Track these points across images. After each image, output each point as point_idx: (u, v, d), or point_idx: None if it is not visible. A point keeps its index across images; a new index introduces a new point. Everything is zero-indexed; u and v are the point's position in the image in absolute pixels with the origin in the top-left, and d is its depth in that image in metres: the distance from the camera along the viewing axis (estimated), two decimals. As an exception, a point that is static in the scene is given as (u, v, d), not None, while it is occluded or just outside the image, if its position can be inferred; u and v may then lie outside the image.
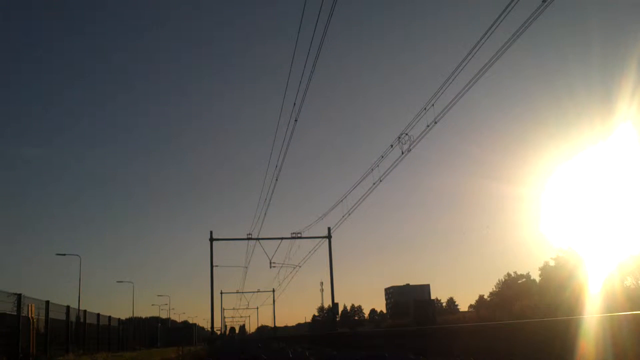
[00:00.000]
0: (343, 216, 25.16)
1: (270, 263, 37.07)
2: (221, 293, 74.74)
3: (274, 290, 74.03)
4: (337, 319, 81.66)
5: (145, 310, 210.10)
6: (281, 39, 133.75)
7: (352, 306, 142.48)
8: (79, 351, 23.80)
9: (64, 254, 43.49)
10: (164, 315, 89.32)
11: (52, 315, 22.14)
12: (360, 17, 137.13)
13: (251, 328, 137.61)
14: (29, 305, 19.32)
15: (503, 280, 79.32)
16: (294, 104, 16.39)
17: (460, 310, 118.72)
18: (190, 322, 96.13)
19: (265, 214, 31.38)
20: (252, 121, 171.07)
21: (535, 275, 71.06)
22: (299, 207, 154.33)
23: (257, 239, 36.72)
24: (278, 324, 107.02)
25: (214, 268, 37.02)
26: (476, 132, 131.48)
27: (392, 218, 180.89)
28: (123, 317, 42.59)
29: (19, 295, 18.30)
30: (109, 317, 33.26)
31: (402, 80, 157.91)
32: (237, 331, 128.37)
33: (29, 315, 19.22)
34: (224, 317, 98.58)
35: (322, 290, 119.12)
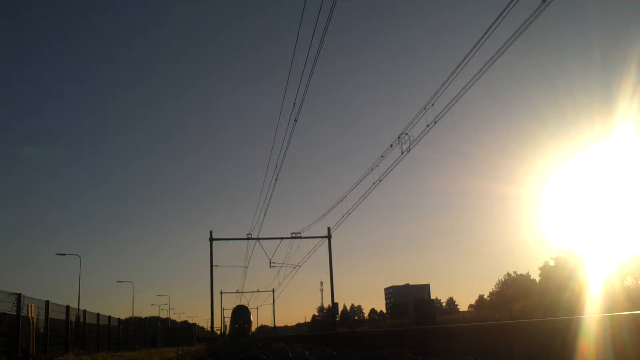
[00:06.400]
0: (343, 216, 25.23)
1: (270, 263, 37.06)
2: (221, 293, 74.39)
3: (274, 290, 73.96)
4: (337, 319, 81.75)
5: (145, 310, 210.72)
6: (281, 39, 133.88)
7: (352, 306, 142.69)
8: (79, 351, 23.77)
9: (64, 254, 43.60)
10: (164, 315, 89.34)
11: (52, 315, 22.10)
12: (360, 17, 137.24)
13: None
14: (29, 305, 19.30)
15: (503, 280, 79.34)
16: (294, 104, 16.44)
17: (460, 310, 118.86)
18: (190, 322, 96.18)
19: (265, 214, 31.39)
20: (252, 121, 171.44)
21: (535, 275, 71.17)
22: (299, 207, 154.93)
23: (257, 239, 36.75)
24: (278, 324, 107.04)
25: (214, 268, 36.83)
26: (476, 132, 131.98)
27: (392, 218, 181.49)
28: (123, 317, 42.59)
29: (19, 295, 18.29)
30: (109, 317, 33.22)
31: (402, 80, 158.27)
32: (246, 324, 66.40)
33: (29, 315, 19.20)
34: (224, 317, 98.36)
35: (322, 290, 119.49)
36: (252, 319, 62.39)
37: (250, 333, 61.63)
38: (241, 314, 59.56)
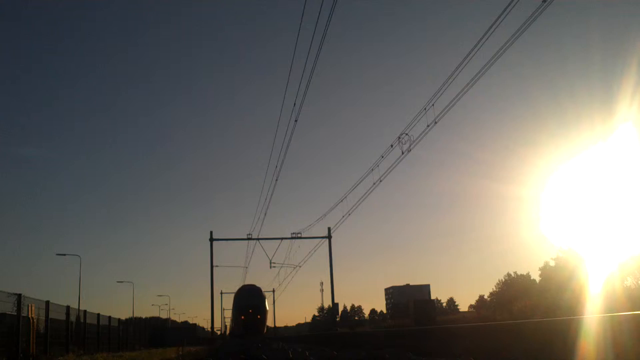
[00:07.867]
0: (343, 216, 25.23)
1: (270, 263, 37.03)
2: (221, 293, 74.13)
3: (274, 291, 73.95)
4: (337, 319, 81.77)
5: (145, 310, 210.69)
6: (281, 39, 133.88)
7: (352, 306, 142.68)
8: (79, 351, 23.77)
9: (64, 254, 43.68)
10: (164, 315, 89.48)
11: (52, 315, 22.09)
12: (360, 17, 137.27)
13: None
14: (29, 305, 19.30)
15: (503, 280, 79.34)
16: (294, 104, 16.44)
17: (460, 310, 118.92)
18: (191, 322, 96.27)
19: (265, 214, 31.29)
20: (252, 121, 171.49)
21: (535, 275, 71.14)
22: (299, 207, 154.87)
23: (257, 239, 36.75)
24: (278, 324, 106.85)
25: (214, 268, 36.67)
26: (476, 132, 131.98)
27: (392, 218, 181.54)
28: (123, 317, 42.62)
29: (19, 295, 18.28)
30: (109, 317, 33.24)
31: (402, 81, 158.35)
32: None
33: (29, 315, 19.19)
34: (224, 317, 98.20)
35: (322, 290, 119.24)
36: (267, 307, 40.78)
37: (265, 329, 40.74)
38: (249, 296, 38.19)
